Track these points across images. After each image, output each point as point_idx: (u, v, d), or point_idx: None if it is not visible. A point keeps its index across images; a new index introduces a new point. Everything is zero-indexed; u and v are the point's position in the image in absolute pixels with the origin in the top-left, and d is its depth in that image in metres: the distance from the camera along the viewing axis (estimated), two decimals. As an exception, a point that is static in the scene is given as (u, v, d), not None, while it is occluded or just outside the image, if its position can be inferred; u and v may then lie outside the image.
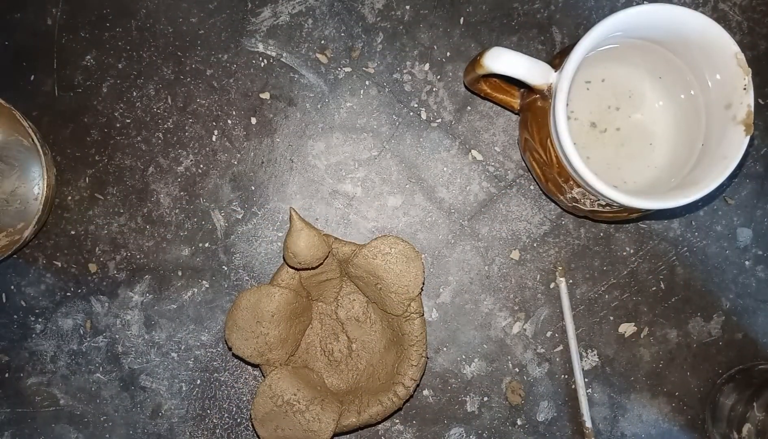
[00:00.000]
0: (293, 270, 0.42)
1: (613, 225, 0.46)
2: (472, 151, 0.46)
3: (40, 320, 0.46)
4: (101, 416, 0.46)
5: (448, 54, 0.46)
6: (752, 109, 0.37)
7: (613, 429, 0.46)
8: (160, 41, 0.46)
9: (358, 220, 0.46)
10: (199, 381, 0.46)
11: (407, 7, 0.46)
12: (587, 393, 0.45)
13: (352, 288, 0.44)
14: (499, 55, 0.38)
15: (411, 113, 0.46)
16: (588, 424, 0.45)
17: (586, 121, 0.42)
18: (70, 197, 0.46)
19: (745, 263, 0.46)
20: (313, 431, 0.40)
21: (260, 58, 0.46)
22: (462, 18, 0.46)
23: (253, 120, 0.46)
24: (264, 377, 0.42)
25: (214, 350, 0.46)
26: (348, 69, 0.46)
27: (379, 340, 0.44)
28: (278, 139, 0.46)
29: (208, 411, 0.46)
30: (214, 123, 0.46)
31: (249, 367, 0.46)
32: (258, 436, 0.42)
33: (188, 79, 0.46)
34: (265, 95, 0.46)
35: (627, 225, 0.46)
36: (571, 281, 0.46)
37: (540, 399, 0.46)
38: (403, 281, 0.41)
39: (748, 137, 0.37)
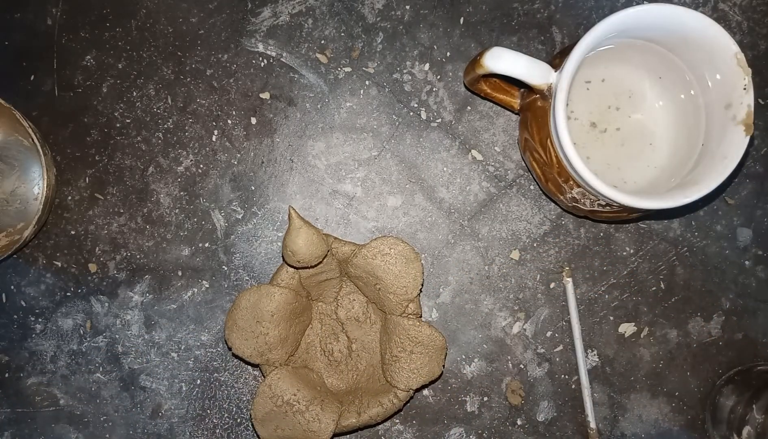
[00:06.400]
0: (293, 270, 0.42)
1: (613, 225, 0.46)
2: (472, 151, 0.46)
3: (40, 320, 0.46)
4: (101, 416, 0.46)
5: (448, 54, 0.46)
6: (752, 109, 0.37)
7: (613, 429, 0.46)
8: (160, 41, 0.46)
9: (358, 220, 0.46)
10: (199, 381, 0.46)
11: (407, 7, 0.46)
12: (587, 393, 0.45)
13: (351, 288, 0.44)
14: (499, 55, 0.38)
15: (411, 113, 0.46)
16: (593, 425, 0.45)
17: (586, 121, 0.42)
18: (70, 197, 0.46)
19: (745, 263, 0.46)
20: (312, 432, 0.40)
21: (260, 58, 0.46)
22: (462, 18, 0.46)
23: (253, 120, 0.46)
24: (264, 377, 0.42)
25: (214, 350, 0.46)
26: (348, 69, 0.46)
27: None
28: (278, 139, 0.46)
29: (208, 411, 0.46)
30: (214, 123, 0.46)
31: (249, 367, 0.46)
32: (258, 436, 0.42)
33: (188, 79, 0.46)
34: (265, 95, 0.46)
35: (627, 225, 0.46)
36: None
37: (540, 399, 0.46)
38: (402, 282, 0.41)
39: (748, 137, 0.37)
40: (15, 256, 0.46)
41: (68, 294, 0.46)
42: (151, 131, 0.46)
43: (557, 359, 0.46)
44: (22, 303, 0.46)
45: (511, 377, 0.46)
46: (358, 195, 0.46)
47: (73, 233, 0.46)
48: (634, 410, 0.46)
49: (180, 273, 0.46)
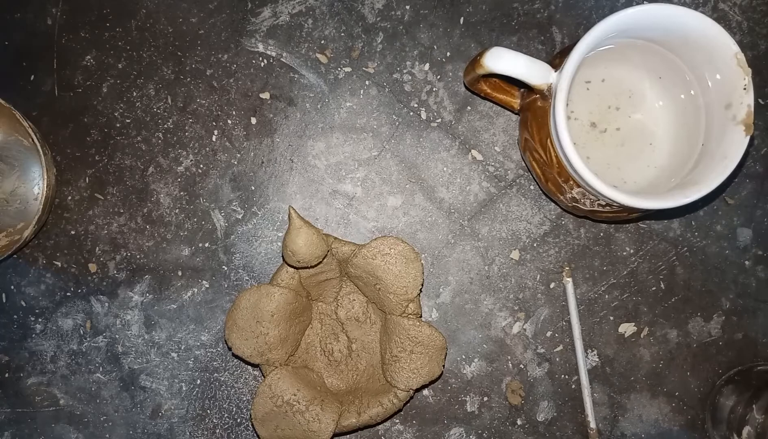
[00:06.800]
0: (293, 270, 0.42)
1: (613, 225, 0.46)
2: (472, 151, 0.46)
3: (40, 320, 0.46)
4: (101, 416, 0.46)
5: (448, 54, 0.46)
6: (752, 109, 0.37)
7: (613, 429, 0.46)
8: (160, 41, 0.46)
9: (358, 220, 0.46)
10: (199, 381, 0.46)
11: (407, 7, 0.46)
12: (587, 393, 0.45)
13: (351, 288, 0.44)
14: (499, 55, 0.38)
15: (411, 113, 0.46)
16: (593, 425, 0.45)
17: (586, 121, 0.42)
18: (70, 197, 0.46)
19: (745, 263, 0.46)
20: (312, 432, 0.40)
21: (260, 58, 0.46)
22: (462, 18, 0.46)
23: (253, 120, 0.46)
24: (264, 377, 0.42)
25: (214, 350, 0.46)
26: (348, 69, 0.46)
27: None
28: (278, 139, 0.46)
29: (208, 411, 0.46)
30: (214, 123, 0.46)
31: (249, 367, 0.46)
32: (258, 436, 0.42)
33: (188, 79, 0.46)
34: (265, 95, 0.46)
35: (627, 225, 0.46)
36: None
37: (540, 399, 0.46)
38: (402, 282, 0.41)
39: (748, 137, 0.37)
40: (15, 256, 0.46)
41: (68, 294, 0.46)
42: (151, 131, 0.46)
43: (557, 359, 0.46)
44: (22, 303, 0.46)
45: (511, 377, 0.46)
46: (358, 195, 0.46)
47: (73, 233, 0.46)
48: (634, 410, 0.46)
49: (180, 273, 0.46)
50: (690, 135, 0.41)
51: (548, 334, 0.46)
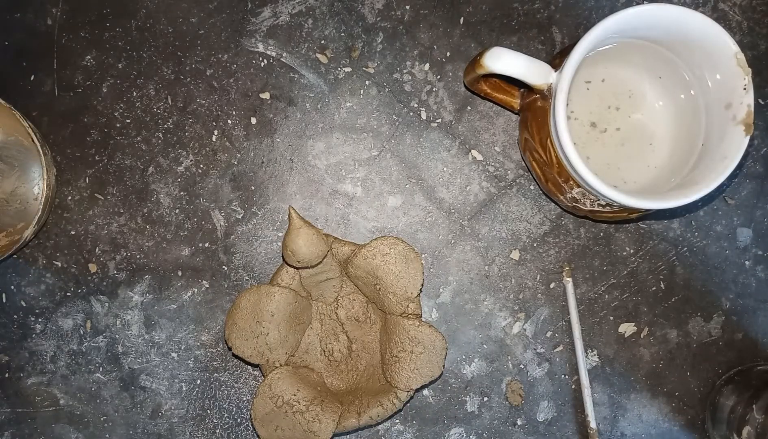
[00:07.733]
0: (293, 270, 0.42)
1: (613, 225, 0.46)
2: (472, 151, 0.46)
3: (40, 320, 0.46)
4: (101, 416, 0.46)
5: (448, 54, 0.46)
6: (752, 109, 0.37)
7: (613, 429, 0.46)
8: (160, 41, 0.46)
9: (358, 220, 0.46)
10: (199, 381, 0.46)
11: (407, 7, 0.46)
12: (587, 393, 0.45)
13: (352, 288, 0.44)
14: (499, 55, 0.38)
15: (411, 113, 0.46)
16: (593, 425, 0.45)
17: (586, 121, 0.42)
18: (70, 197, 0.46)
19: (745, 263, 0.46)
20: (313, 432, 0.40)
21: (260, 58, 0.46)
22: (462, 18, 0.46)
23: (253, 120, 0.46)
24: (264, 377, 0.42)
25: (214, 350, 0.46)
26: (348, 69, 0.46)
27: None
28: (278, 139, 0.46)
29: (208, 411, 0.46)
30: (214, 123, 0.46)
31: (249, 367, 0.46)
32: (258, 436, 0.42)
33: (188, 79, 0.46)
34: (265, 95, 0.46)
35: (627, 225, 0.46)
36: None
37: (540, 399, 0.46)
38: (402, 281, 0.41)
39: (748, 137, 0.37)
40: (15, 256, 0.46)
41: (68, 294, 0.46)
42: (151, 131, 0.46)
43: (557, 359, 0.46)
44: (22, 303, 0.46)
45: (511, 377, 0.46)
46: (358, 195, 0.46)
47: (73, 233, 0.46)
48: (634, 410, 0.46)
49: (180, 273, 0.46)
50: (690, 135, 0.41)
51: (548, 334, 0.46)
